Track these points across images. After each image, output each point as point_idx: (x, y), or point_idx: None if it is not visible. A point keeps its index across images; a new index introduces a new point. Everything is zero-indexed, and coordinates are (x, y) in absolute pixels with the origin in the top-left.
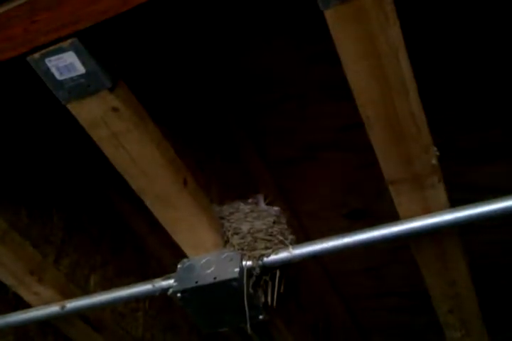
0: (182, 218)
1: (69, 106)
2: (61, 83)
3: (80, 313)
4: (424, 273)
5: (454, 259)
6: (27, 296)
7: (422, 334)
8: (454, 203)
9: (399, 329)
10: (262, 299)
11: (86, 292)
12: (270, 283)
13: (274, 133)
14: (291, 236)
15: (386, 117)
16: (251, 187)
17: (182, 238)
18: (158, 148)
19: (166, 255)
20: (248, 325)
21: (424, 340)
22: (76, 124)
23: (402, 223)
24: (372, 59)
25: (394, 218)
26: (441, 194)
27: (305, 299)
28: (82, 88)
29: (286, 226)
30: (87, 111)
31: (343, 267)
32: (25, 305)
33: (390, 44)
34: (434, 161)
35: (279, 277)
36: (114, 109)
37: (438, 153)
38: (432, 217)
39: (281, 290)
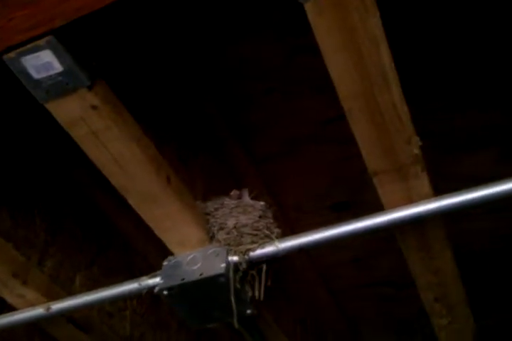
0: (166, 215)
1: (47, 106)
2: (38, 82)
3: (66, 314)
4: (410, 262)
5: (438, 248)
6: (11, 299)
7: (410, 324)
8: (438, 193)
9: (387, 318)
10: (250, 294)
11: (71, 293)
12: (257, 278)
13: (258, 127)
14: (277, 230)
15: (368, 109)
16: (236, 182)
17: (167, 235)
18: (139, 145)
19: (152, 252)
20: (235, 320)
21: (412, 329)
22: (56, 123)
23: (386, 213)
24: (352, 50)
25: (379, 209)
26: (424, 183)
27: (293, 291)
28: (60, 87)
29: (272, 221)
30: (66, 110)
31: (330, 258)
32: (10, 308)
33: (370, 35)
34: (416, 151)
35: (265, 271)
36: (93, 107)
37: (420, 143)
38: (415, 206)
39: (269, 284)
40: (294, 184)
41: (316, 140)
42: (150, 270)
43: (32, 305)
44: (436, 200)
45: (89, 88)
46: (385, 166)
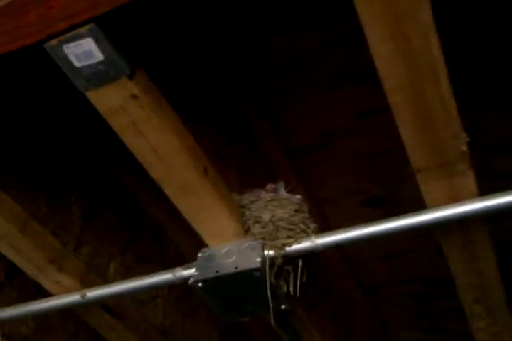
0: (202, 207)
1: (87, 94)
2: (79, 70)
3: (101, 302)
4: (451, 262)
5: (482, 249)
6: (47, 285)
7: (441, 322)
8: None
9: (418, 316)
10: (284, 289)
11: (105, 280)
12: (292, 273)
13: (292, 119)
14: (313, 225)
15: (415, 102)
16: (269, 175)
17: (202, 227)
18: (178, 136)
19: (184, 241)
20: (271, 316)
21: (443, 328)
22: (92, 111)
23: (429, 212)
24: (401, 41)
25: (415, 205)
26: (470, 182)
27: (324, 286)
28: (100, 75)
29: (308, 215)
30: (106, 99)
31: (361, 254)
32: (45, 293)
33: (420, 26)
34: (464, 148)
35: (301, 267)
36: (134, 97)
37: (468, 139)
38: (461, 205)
39: (304, 280)
40: (328, 177)
41: (352, 133)
42: (182, 259)
43: (68, 291)
44: (482, 200)
45: (130, 77)
46: (430, 163)
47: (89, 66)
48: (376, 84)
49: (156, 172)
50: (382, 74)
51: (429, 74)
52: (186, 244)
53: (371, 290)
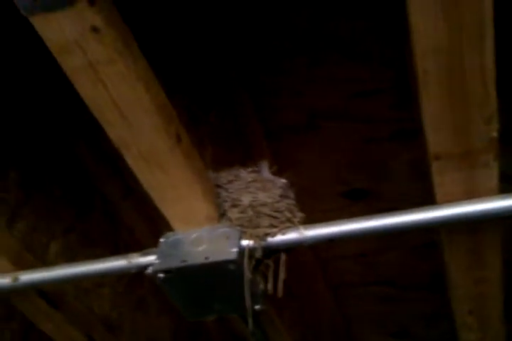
0: (171, 182)
1: (33, 20)
2: None
3: (37, 287)
4: (451, 268)
5: (490, 256)
6: None
7: (407, 327)
8: None
9: (385, 320)
10: (262, 286)
11: (44, 262)
12: (272, 268)
13: (278, 93)
14: (300, 214)
15: (449, 70)
16: (248, 154)
17: (169, 207)
18: (148, 90)
19: (140, 225)
20: (250, 317)
21: (410, 333)
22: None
23: (440, 208)
24: None
25: (397, 201)
26: (493, 176)
27: (292, 283)
28: None
29: (294, 202)
30: (58, 30)
31: (334, 251)
32: None
33: None
34: (494, 134)
35: (283, 261)
36: (94, 29)
37: (498, 126)
38: (479, 202)
39: (284, 277)
40: (307, 163)
41: (341, 116)
42: (136, 244)
43: None
44: (504, 198)
45: (91, 2)
46: (452, 149)
47: None
48: (377, 61)
49: (116, 133)
50: (415, 32)
51: (474, 36)
52: (143, 229)
53: (340, 289)
